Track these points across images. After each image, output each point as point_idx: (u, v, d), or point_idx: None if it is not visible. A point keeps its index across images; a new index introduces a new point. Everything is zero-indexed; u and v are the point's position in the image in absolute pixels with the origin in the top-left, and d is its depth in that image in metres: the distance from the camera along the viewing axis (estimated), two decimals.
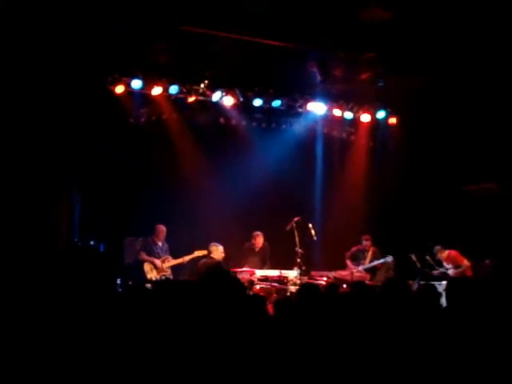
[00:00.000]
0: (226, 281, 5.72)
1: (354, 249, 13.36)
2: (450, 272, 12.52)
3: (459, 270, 12.50)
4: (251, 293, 10.93)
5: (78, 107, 11.53)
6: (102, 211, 11.93)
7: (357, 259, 13.20)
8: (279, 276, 11.83)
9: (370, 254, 13.18)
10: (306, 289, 6.72)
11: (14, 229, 10.63)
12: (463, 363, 4.70)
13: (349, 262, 13.10)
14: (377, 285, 11.62)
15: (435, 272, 12.55)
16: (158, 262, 12.06)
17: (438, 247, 12.84)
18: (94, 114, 11.78)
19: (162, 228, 12.31)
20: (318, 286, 8.85)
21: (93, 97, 11.72)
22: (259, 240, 12.80)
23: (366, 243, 13.27)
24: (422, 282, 11.49)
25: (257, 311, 5.30)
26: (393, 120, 14.55)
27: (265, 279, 11.76)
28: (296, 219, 12.00)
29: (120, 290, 10.65)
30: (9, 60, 10.62)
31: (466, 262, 12.53)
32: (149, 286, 11.14)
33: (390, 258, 12.83)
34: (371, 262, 13.04)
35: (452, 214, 13.76)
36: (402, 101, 13.77)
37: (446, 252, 12.76)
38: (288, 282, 11.71)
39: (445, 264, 12.79)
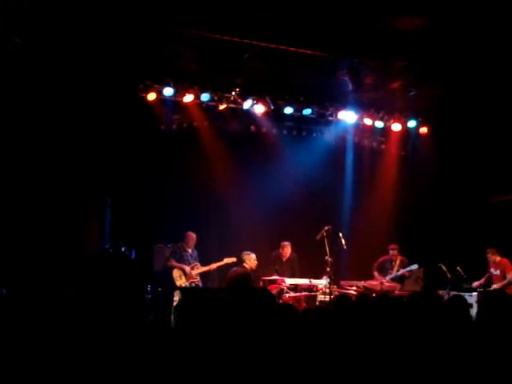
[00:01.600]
0: (255, 291, 5.73)
1: (380, 259, 13.28)
2: (495, 286, 12.40)
3: (504, 282, 12.37)
4: (281, 301, 10.94)
5: (110, 115, 11.65)
6: (133, 218, 12.02)
7: (384, 269, 13.11)
8: (309, 285, 11.82)
9: (397, 263, 13.09)
10: (340, 299, 6.68)
11: (46, 236, 10.76)
12: (490, 376, 4.65)
13: (376, 273, 13.01)
14: (405, 295, 11.62)
15: (474, 285, 12.46)
16: (187, 268, 12.08)
17: (493, 249, 12.71)
18: (127, 121, 11.91)
19: (192, 235, 12.33)
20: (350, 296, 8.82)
21: (125, 104, 11.82)
22: (287, 250, 12.76)
23: (392, 253, 13.17)
24: (452, 293, 11.42)
25: (286, 321, 5.28)
26: (424, 129, 14.48)
27: (294, 288, 11.74)
28: (326, 228, 11.94)
29: (149, 296, 10.75)
30: (43, 68, 10.75)
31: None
32: (178, 293, 11.29)
33: (415, 266, 12.74)
34: (398, 271, 12.94)
35: (481, 225, 13.65)
36: (433, 110, 13.72)
37: (499, 257, 12.64)
38: (318, 290, 11.69)
39: (492, 268, 12.66)
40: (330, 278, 11.61)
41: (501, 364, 4.73)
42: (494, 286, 12.35)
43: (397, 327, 5.59)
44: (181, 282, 11.98)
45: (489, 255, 12.72)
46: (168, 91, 12.37)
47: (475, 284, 12.54)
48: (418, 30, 10.43)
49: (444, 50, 11.19)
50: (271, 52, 11.25)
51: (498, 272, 12.60)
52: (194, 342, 4.89)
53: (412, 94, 13.16)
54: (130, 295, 9.69)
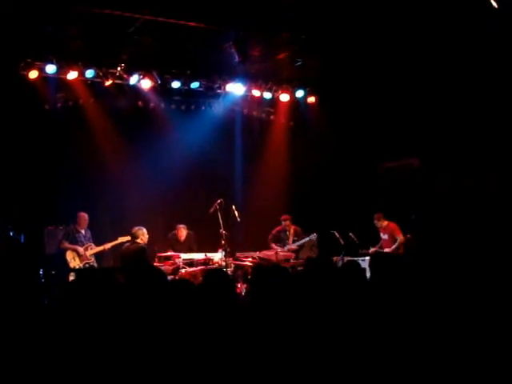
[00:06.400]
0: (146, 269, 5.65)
1: (274, 231, 13.36)
2: (387, 250, 12.74)
3: (394, 246, 12.71)
4: (177, 277, 10.91)
5: None
6: (20, 201, 11.64)
7: (280, 240, 13.22)
8: (204, 259, 11.82)
9: (291, 233, 13.23)
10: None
11: None
12: (387, 336, 4.79)
13: (273, 245, 13.10)
14: (300, 263, 11.85)
15: (370, 250, 12.75)
16: (80, 249, 11.85)
17: (379, 214, 13.03)
18: (8, 101, 11.44)
19: (84, 215, 12.08)
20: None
21: (5, 84, 11.37)
22: (182, 233, 12.71)
23: (285, 223, 13.27)
24: (346, 258, 11.73)
25: (181, 297, 5.25)
26: (312, 99, 14.66)
27: (190, 263, 11.73)
28: (219, 201, 11.95)
29: (43, 280, 10.49)
30: None
31: (401, 236, 12.75)
32: (72, 275, 11.09)
33: (314, 236, 12.89)
34: (294, 241, 13.11)
35: (371, 191, 14.03)
36: (320, 80, 13.91)
37: (386, 222, 12.98)
38: (213, 264, 11.72)
39: (381, 233, 13.00)
40: (225, 250, 11.66)
41: (396, 322, 4.88)
42: (386, 250, 12.73)
43: (294, 295, 5.66)
44: (75, 263, 11.77)
45: (375, 221, 13.06)
46: (50, 68, 11.96)
47: (371, 250, 12.85)
48: (301, 1, 10.51)
49: (327, 20, 11.33)
50: (156, 25, 11.08)
51: (386, 236, 12.96)
52: (84, 325, 4.80)
53: (298, 64, 13.29)
54: (21, 279, 9.41)
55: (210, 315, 4.96)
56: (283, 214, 13.39)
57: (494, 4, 9.53)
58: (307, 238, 12.97)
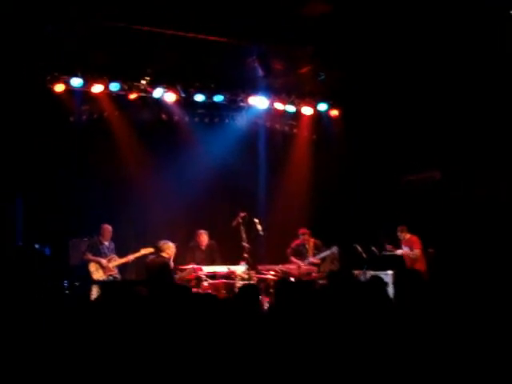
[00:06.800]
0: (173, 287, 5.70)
1: (293, 245, 13.20)
2: (399, 252, 12.74)
3: (410, 253, 12.70)
4: (199, 290, 10.93)
5: (17, 108, 11.35)
6: (47, 213, 11.76)
7: (300, 254, 13.04)
8: (227, 272, 11.82)
9: (311, 246, 13.08)
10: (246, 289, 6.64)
11: None
12: (411, 354, 4.79)
13: (293, 259, 12.95)
14: (322, 276, 11.82)
15: (385, 252, 12.71)
16: (103, 261, 11.90)
17: (403, 227, 13.01)
18: (35, 114, 11.59)
19: (108, 227, 12.15)
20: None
21: (33, 97, 11.53)
22: (203, 238, 12.61)
23: (303, 237, 13.12)
24: (368, 272, 11.68)
25: (205, 310, 5.28)
26: (334, 112, 14.67)
27: (212, 276, 11.74)
28: (242, 215, 11.98)
29: (67, 291, 10.54)
30: None
31: (418, 250, 12.73)
32: (95, 287, 11.15)
33: (335, 249, 12.79)
34: (315, 254, 13.02)
35: (395, 204, 14.00)
36: (344, 93, 13.95)
37: (409, 235, 12.96)
38: (236, 277, 11.71)
39: (403, 246, 12.97)
40: (247, 263, 11.68)
41: (419, 341, 4.88)
42: (400, 253, 12.80)
43: (318, 310, 5.68)
44: (98, 275, 11.81)
45: (398, 233, 13.04)
46: (76, 82, 12.13)
47: (399, 251, 12.88)
48: (324, 16, 10.58)
49: (349, 34, 11.39)
50: (181, 40, 11.21)
51: (407, 249, 12.94)
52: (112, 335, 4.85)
53: (321, 78, 13.33)
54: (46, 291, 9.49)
55: (237, 329, 4.99)
56: (302, 227, 13.31)
57: None
58: (328, 252, 12.87)
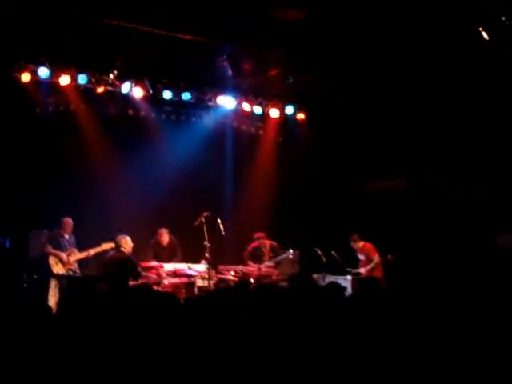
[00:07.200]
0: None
1: (250, 248, 13.20)
2: (362, 270, 12.82)
3: (369, 266, 12.80)
4: (160, 288, 10.92)
5: None
6: (6, 204, 11.62)
7: (256, 257, 13.03)
8: (187, 271, 11.83)
9: (267, 249, 13.09)
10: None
11: None
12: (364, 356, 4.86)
13: (250, 262, 12.94)
14: (282, 278, 11.88)
15: (348, 271, 12.78)
16: (63, 255, 11.78)
17: (355, 236, 13.14)
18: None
19: (69, 220, 12.03)
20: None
21: None
22: (164, 238, 12.58)
23: (259, 241, 13.10)
24: (327, 276, 11.81)
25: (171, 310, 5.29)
26: (301, 116, 14.77)
27: (173, 274, 11.73)
28: (205, 214, 11.99)
29: (25, 285, 10.46)
30: None
31: (377, 257, 12.86)
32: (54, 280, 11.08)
33: (291, 253, 12.84)
34: (271, 257, 13.01)
35: (357, 210, 14.11)
36: (311, 97, 14.04)
37: (362, 243, 13.07)
38: (196, 275, 11.73)
39: (358, 254, 13.08)
40: (208, 263, 11.69)
41: (375, 346, 4.96)
42: (361, 271, 12.84)
43: (277, 309, 5.73)
44: (57, 268, 11.69)
45: (351, 242, 13.18)
46: (43, 71, 11.98)
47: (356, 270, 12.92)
48: (296, 21, 10.64)
49: (320, 40, 11.48)
50: (151, 36, 11.17)
51: (363, 257, 13.08)
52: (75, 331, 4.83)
53: (289, 81, 13.41)
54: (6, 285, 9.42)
55: (197, 329, 5.01)
56: (258, 231, 13.27)
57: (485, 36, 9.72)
58: (284, 255, 12.92)
